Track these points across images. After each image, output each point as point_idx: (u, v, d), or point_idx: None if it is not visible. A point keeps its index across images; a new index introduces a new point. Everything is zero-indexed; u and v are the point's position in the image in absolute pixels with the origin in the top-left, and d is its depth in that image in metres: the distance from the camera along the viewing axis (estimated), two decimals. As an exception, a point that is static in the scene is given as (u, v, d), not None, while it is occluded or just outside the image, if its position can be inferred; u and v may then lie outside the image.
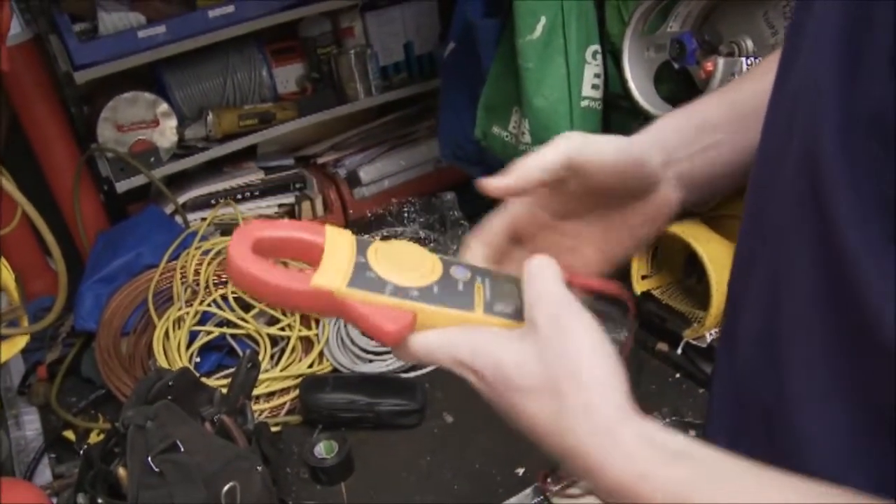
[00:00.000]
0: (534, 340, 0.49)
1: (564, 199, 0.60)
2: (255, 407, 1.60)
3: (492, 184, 0.56)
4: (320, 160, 2.50)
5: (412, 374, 1.80)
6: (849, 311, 0.41)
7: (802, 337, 0.47)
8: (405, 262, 0.55)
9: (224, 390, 1.35)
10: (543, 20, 1.58)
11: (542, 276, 0.53)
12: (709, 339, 1.63)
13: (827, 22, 0.42)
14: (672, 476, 0.43)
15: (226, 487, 1.08)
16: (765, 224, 0.52)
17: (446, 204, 2.33)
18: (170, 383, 1.22)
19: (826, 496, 0.41)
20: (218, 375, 1.76)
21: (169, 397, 1.21)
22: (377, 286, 0.53)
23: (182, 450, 1.10)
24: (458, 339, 0.52)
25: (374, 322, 0.52)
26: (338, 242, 0.55)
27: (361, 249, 0.55)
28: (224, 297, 1.88)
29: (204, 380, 1.42)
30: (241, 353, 1.82)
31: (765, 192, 0.52)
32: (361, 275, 0.53)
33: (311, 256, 0.55)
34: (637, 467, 0.44)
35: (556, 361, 0.47)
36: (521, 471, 1.48)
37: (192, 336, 1.80)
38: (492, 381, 0.50)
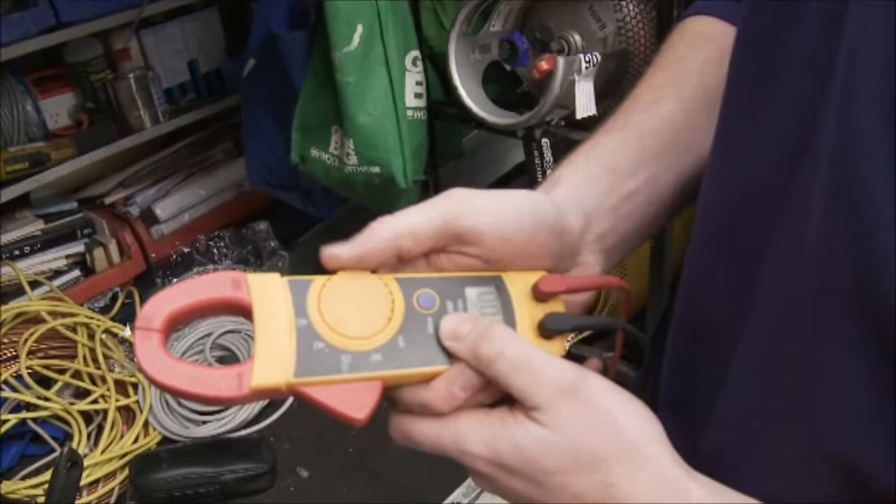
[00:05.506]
0: (550, 417, 0.43)
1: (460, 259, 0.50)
2: (77, 501, 1.36)
3: (331, 256, 0.46)
4: (108, 200, 2.27)
5: (254, 429, 1.67)
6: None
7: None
8: (357, 307, 0.45)
9: (40, 500, 1.13)
10: (360, 29, 1.45)
11: (517, 352, 0.44)
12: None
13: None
14: None
15: None
16: (740, 241, 0.48)
17: (260, 234, 2.16)
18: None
19: None
20: (24, 473, 1.52)
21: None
22: (331, 363, 0.43)
23: None
24: (462, 428, 0.45)
25: (336, 410, 0.43)
26: (267, 295, 0.44)
27: (299, 302, 0.44)
28: (17, 375, 1.62)
29: (8, 483, 1.17)
30: (46, 437, 1.60)
31: (745, 210, 0.47)
32: (308, 349, 0.43)
33: (237, 312, 0.44)
34: None
35: (586, 431, 0.43)
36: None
37: (-16, 429, 1.54)
38: (517, 468, 0.44)
